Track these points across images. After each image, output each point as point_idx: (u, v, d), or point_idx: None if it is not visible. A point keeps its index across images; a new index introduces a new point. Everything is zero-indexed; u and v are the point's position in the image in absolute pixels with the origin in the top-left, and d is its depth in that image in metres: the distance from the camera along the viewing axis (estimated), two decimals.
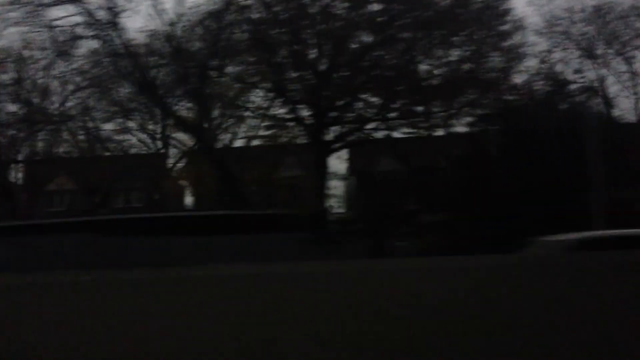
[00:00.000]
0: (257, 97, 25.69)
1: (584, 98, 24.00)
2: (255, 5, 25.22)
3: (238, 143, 26.67)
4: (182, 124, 24.03)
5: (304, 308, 3.46)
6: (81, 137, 31.70)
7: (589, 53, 32.86)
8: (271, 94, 25.89)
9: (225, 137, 25.58)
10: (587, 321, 3.35)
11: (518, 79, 24.93)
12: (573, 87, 24.42)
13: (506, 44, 24.20)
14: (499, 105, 23.11)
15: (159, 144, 31.26)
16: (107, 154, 32.61)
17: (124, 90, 23.66)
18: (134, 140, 31.16)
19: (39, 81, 27.46)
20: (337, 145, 26.55)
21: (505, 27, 24.27)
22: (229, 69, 24.94)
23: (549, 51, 31.92)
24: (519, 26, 24.79)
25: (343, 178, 30.10)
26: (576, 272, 3.67)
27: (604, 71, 33.43)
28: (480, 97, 23.42)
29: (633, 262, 3.88)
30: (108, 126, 29.13)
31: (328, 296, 3.50)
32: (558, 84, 24.28)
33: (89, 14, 22.52)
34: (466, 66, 23.89)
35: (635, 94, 31.95)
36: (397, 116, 24.67)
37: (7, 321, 3.48)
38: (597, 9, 32.09)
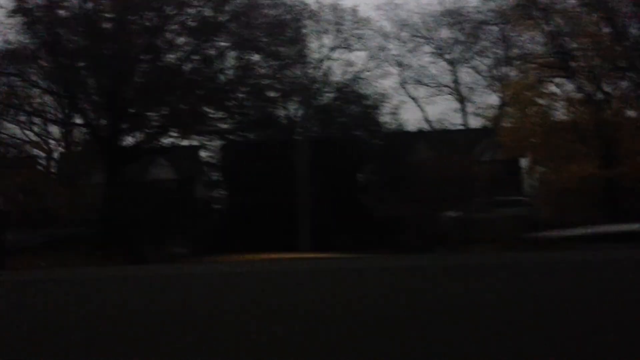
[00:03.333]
0: (43, 99, 24.88)
1: (363, 107, 22.53)
2: (45, 7, 24.48)
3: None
4: None
5: None
6: None
7: (445, 56, 31.63)
8: (62, 99, 25.05)
9: None
10: None
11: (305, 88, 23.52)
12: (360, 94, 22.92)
13: (282, 51, 22.86)
14: (257, 115, 21.87)
15: None
16: None
17: None
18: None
19: None
20: (135, 152, 25.56)
21: (285, 37, 22.90)
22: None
23: (399, 55, 30.77)
24: (303, 33, 23.43)
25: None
26: None
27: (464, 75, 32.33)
28: (241, 105, 22.18)
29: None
30: None
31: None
32: (341, 91, 22.84)
33: None
34: (236, 73, 22.69)
35: (500, 96, 30.62)
36: (165, 122, 23.64)
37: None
38: (453, 13, 30.85)
